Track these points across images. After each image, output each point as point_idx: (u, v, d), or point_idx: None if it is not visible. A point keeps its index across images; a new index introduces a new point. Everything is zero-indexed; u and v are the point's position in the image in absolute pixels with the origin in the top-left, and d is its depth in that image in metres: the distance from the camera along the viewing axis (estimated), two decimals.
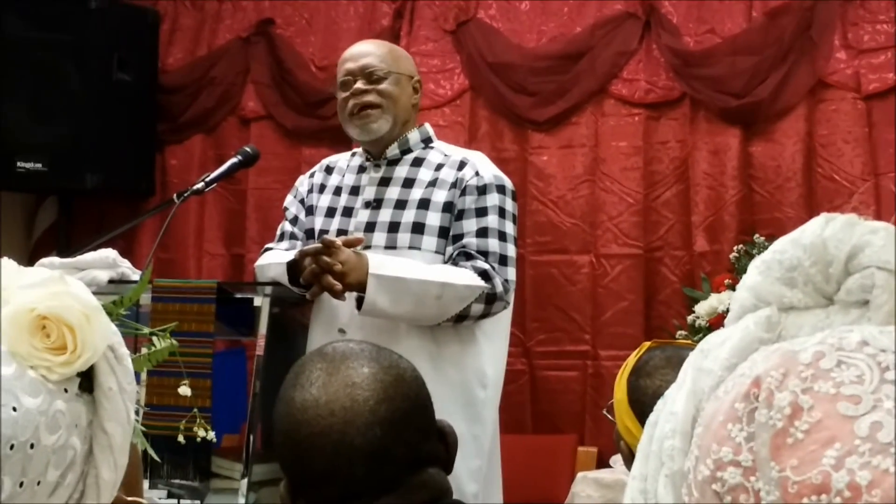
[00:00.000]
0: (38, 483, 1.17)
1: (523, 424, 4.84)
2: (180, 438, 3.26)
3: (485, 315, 3.52)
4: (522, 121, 4.92)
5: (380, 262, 3.46)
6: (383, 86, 3.66)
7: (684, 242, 4.69)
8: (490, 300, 3.49)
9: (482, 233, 3.56)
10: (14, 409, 1.15)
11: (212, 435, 3.20)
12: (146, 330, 1.60)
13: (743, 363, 0.99)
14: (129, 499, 1.47)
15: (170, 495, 3.55)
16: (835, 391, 0.91)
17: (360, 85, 3.64)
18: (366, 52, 3.72)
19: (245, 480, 3.45)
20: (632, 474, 1.08)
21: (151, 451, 1.67)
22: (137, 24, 5.30)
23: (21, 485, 1.16)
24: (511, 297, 3.57)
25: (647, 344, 2.40)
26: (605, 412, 2.38)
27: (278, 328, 3.57)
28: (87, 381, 1.22)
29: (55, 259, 3.74)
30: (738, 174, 4.63)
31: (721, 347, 1.03)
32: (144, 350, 1.58)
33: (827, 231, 1.01)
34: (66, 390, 1.20)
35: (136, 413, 1.31)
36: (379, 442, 1.74)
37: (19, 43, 5.03)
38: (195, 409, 3.26)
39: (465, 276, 3.49)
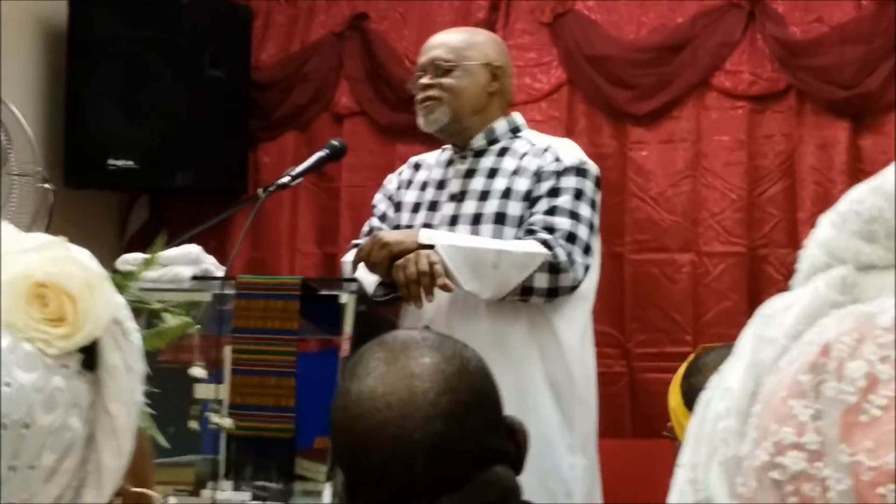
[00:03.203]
0: (32, 467, 1.06)
1: (623, 428, 4.68)
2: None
3: (553, 290, 3.41)
4: (621, 115, 4.77)
5: (430, 234, 3.40)
6: (447, 79, 3.66)
7: (790, 240, 4.51)
8: (554, 270, 3.38)
9: (551, 211, 3.46)
10: (7, 385, 1.04)
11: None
12: (156, 304, 1.48)
13: (811, 329, 0.85)
14: (135, 489, 1.34)
15: (254, 497, 3.46)
16: None
17: (425, 80, 3.65)
18: (436, 43, 3.74)
19: (329, 483, 3.35)
20: (679, 461, 0.93)
21: (160, 437, 1.55)
22: (230, 19, 5.24)
23: (13, 468, 1.05)
24: (581, 275, 3.44)
25: (698, 349, 2.27)
26: (664, 433, 2.26)
27: (366, 326, 3.46)
28: (90, 357, 1.11)
29: (138, 255, 3.69)
30: (847, 169, 4.43)
31: (786, 312, 0.88)
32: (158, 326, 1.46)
33: None
34: (65, 366, 1.08)
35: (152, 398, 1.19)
36: (440, 437, 1.62)
37: (110, 40, 4.98)
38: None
39: (524, 245, 3.39)
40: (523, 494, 1.72)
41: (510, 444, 1.72)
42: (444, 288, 3.34)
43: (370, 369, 1.66)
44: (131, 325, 1.13)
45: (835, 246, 0.89)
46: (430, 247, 3.38)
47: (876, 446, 0.75)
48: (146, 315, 3.62)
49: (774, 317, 0.88)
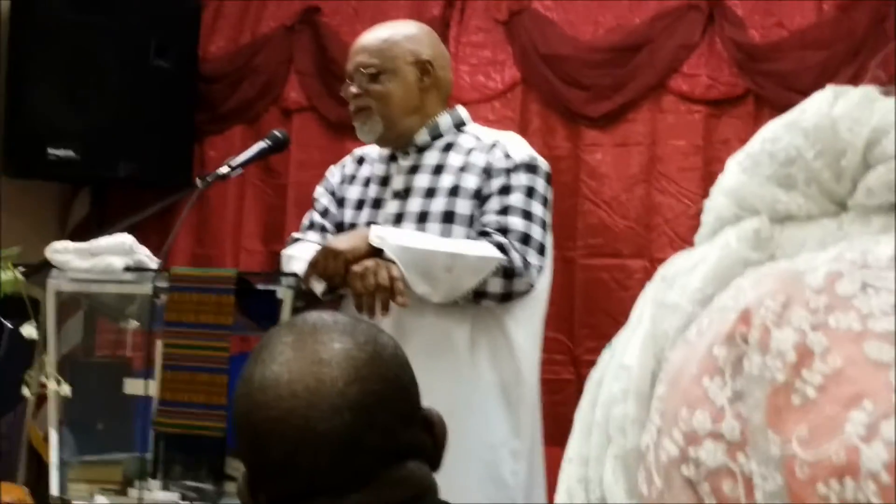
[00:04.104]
0: None
1: (568, 436, 4.57)
2: None
3: (506, 295, 3.33)
4: (576, 116, 4.67)
5: (381, 234, 3.30)
6: (374, 85, 3.53)
7: None
8: (509, 275, 3.29)
9: (503, 211, 3.37)
10: None
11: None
12: None
13: (723, 292, 0.71)
14: None
15: (183, 497, 3.35)
16: (860, 327, 0.62)
17: (352, 89, 3.53)
18: (359, 48, 3.63)
19: None
20: (566, 456, 0.79)
21: None
22: (178, 9, 5.13)
23: None
24: (535, 279, 3.36)
25: None
26: None
27: None
28: None
29: (69, 243, 3.58)
30: None
31: (691, 274, 0.74)
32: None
33: (837, 109, 0.72)
34: None
35: None
36: (347, 429, 1.50)
37: (53, 24, 4.86)
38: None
39: (478, 248, 3.30)
40: (440, 493, 1.61)
41: (426, 437, 1.61)
42: (402, 305, 3.25)
43: (276, 354, 1.56)
44: None
45: (746, 193, 0.75)
46: (380, 251, 3.28)
47: (812, 434, 0.61)
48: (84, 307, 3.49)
49: (676, 278, 0.75)
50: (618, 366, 0.77)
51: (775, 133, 0.75)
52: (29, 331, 3.28)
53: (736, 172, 0.77)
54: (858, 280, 0.64)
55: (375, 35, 3.66)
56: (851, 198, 0.72)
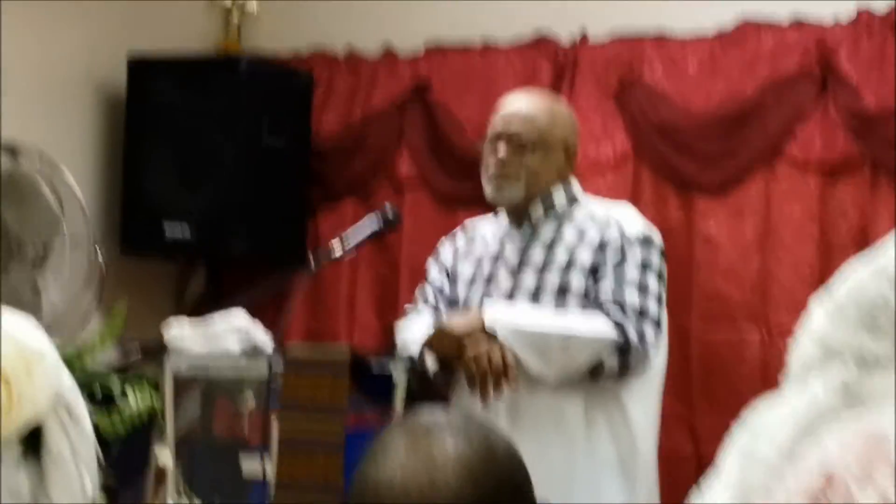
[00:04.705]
0: None
1: None
2: None
3: (623, 371, 3.30)
4: (688, 185, 4.63)
5: (495, 316, 3.29)
6: (527, 158, 3.50)
7: None
8: (625, 351, 3.26)
9: (619, 284, 3.34)
10: None
11: None
12: (115, 383, 1.36)
13: (812, 448, 0.68)
14: None
15: None
16: None
17: (503, 153, 3.50)
18: (519, 111, 3.58)
19: None
20: None
21: None
22: (290, 86, 5.18)
23: None
24: (652, 355, 3.33)
25: None
26: None
27: (418, 402, 3.36)
28: (34, 442, 0.99)
29: (185, 324, 3.63)
30: None
31: (778, 425, 0.72)
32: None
33: None
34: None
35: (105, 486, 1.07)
36: None
37: (169, 106, 4.94)
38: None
39: (593, 325, 3.27)
40: None
41: None
42: (514, 390, 3.25)
43: (390, 455, 1.55)
44: (81, 409, 1.01)
45: (832, 339, 0.73)
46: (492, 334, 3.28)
47: None
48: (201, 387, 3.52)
49: (764, 430, 0.73)
50: None
51: (861, 279, 0.73)
52: (165, 459, 3.33)
53: (821, 317, 0.75)
54: None
55: (535, 106, 3.66)
56: None
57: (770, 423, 0.74)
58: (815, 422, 0.71)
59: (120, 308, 1.61)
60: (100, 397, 1.14)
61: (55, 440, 0.99)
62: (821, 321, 0.75)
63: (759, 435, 0.74)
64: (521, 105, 3.65)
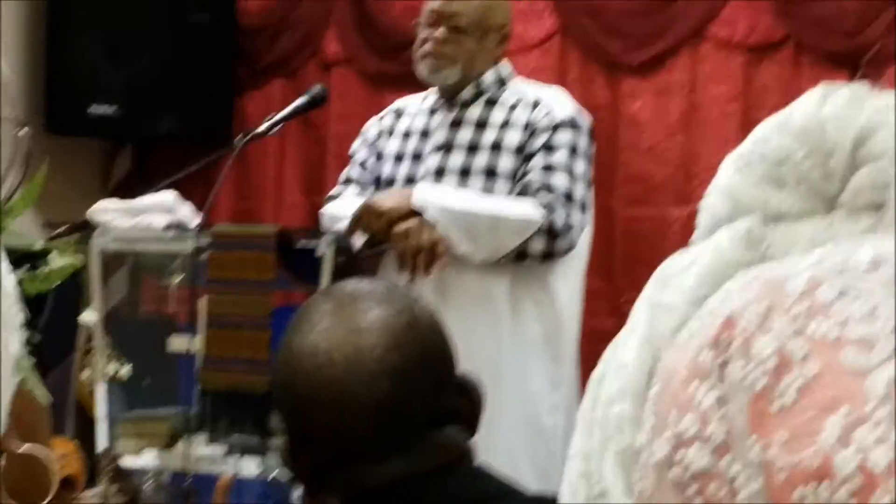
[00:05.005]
0: None
1: None
2: None
3: (548, 254, 3.33)
4: (615, 65, 4.65)
5: (424, 195, 3.30)
6: (465, 40, 3.49)
7: None
8: (551, 235, 3.29)
9: (547, 169, 3.36)
10: None
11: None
12: (38, 245, 1.37)
13: (714, 294, 0.72)
14: (24, 445, 1.23)
15: (228, 451, 3.39)
16: (838, 333, 0.64)
17: (440, 32, 3.48)
18: None
19: None
20: (570, 452, 0.81)
21: (42, 392, 1.45)
22: None
23: None
24: (577, 239, 3.36)
25: None
26: None
27: (344, 280, 3.38)
28: None
29: (111, 202, 3.62)
30: None
31: (685, 274, 0.75)
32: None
33: (825, 110, 0.73)
34: None
35: (32, 346, 1.08)
36: (386, 395, 1.52)
37: None
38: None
39: (522, 208, 3.30)
40: (476, 457, 1.63)
41: (464, 402, 1.62)
42: (442, 267, 3.27)
43: (314, 323, 1.57)
44: (3, 266, 1.01)
45: (739, 193, 0.76)
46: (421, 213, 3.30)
47: (791, 439, 0.63)
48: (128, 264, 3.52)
49: (672, 279, 0.76)
50: (618, 364, 0.78)
51: (766, 134, 0.76)
52: (89, 317, 3.32)
53: (730, 172, 0.78)
54: (838, 286, 0.65)
55: None
56: (840, 197, 0.73)
57: (677, 272, 0.77)
58: (720, 270, 0.74)
59: (40, 173, 1.59)
60: (27, 261, 1.14)
61: None
62: (728, 175, 0.78)
63: (666, 285, 0.77)
64: None
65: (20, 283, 1.04)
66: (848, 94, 0.74)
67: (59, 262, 1.39)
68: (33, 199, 1.26)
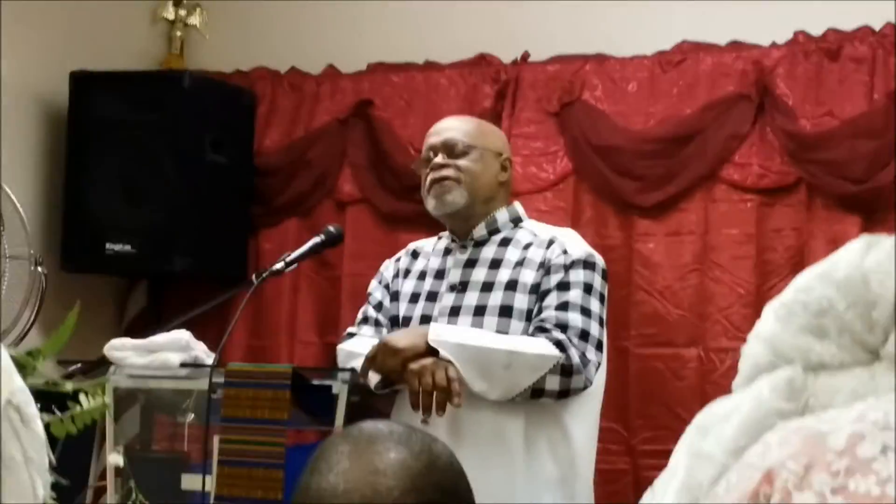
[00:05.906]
0: None
1: None
2: None
3: (564, 392, 3.33)
4: (628, 206, 4.68)
5: (439, 333, 3.30)
6: (463, 160, 3.56)
7: None
8: (566, 372, 3.29)
9: (562, 307, 3.38)
10: None
11: None
12: (68, 386, 1.37)
13: (754, 446, 0.71)
14: None
15: None
16: (879, 491, 0.63)
17: (439, 159, 3.54)
18: (449, 126, 3.64)
19: None
20: None
21: None
22: (233, 104, 5.18)
23: None
24: (592, 376, 3.36)
25: None
26: None
27: (358, 419, 3.37)
28: None
29: (126, 340, 3.63)
30: None
31: (725, 423, 0.75)
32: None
33: (868, 261, 0.73)
34: None
35: (54, 488, 1.08)
36: None
37: (111, 122, 4.93)
38: None
39: (536, 345, 3.30)
40: None
41: None
42: (457, 406, 3.26)
43: (332, 464, 1.57)
44: (32, 410, 1.01)
45: (780, 342, 0.76)
46: (436, 351, 3.30)
47: None
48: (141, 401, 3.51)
49: (712, 428, 0.76)
50: None
51: (808, 283, 0.76)
52: (115, 459, 3.31)
53: (771, 320, 0.78)
54: (879, 442, 0.65)
55: (463, 120, 3.75)
56: (883, 348, 0.73)
57: (717, 421, 0.76)
58: (760, 421, 0.73)
59: (70, 318, 1.61)
60: (49, 401, 1.14)
61: (6, 443, 0.99)
62: (770, 324, 0.78)
63: (706, 433, 0.76)
64: (449, 121, 3.73)
65: (47, 426, 1.04)
66: (890, 245, 0.74)
67: (87, 404, 1.39)
68: (63, 343, 1.26)
